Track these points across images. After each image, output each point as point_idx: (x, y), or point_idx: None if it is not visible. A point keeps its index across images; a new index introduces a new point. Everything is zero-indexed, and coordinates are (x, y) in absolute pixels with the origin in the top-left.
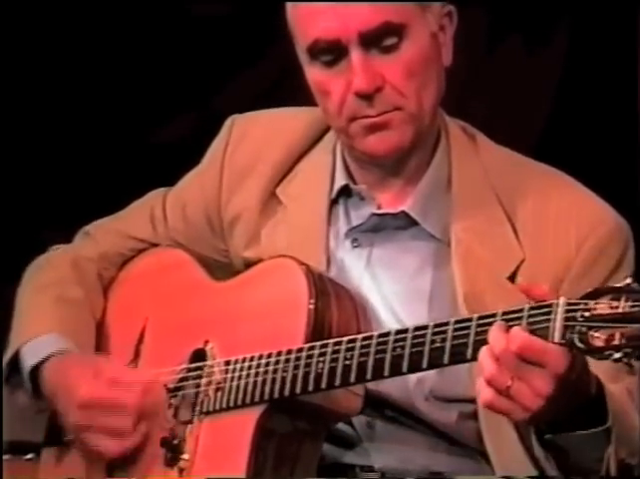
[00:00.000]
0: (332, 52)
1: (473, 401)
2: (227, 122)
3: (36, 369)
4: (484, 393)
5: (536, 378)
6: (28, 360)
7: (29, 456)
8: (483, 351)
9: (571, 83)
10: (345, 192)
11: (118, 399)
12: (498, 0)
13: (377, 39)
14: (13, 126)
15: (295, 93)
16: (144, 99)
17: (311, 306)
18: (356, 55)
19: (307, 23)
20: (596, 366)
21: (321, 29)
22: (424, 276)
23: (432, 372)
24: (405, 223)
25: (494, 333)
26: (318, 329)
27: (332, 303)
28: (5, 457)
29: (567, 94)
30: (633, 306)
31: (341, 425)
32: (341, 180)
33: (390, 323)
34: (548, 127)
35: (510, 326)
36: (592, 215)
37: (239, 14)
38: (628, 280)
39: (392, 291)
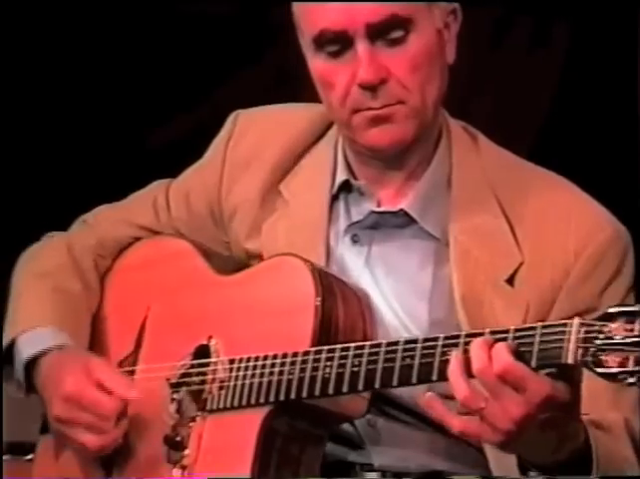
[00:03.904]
0: (338, 43)
1: None
2: (231, 116)
3: (31, 362)
4: (456, 420)
5: (510, 401)
6: (24, 352)
7: (29, 457)
8: (454, 373)
9: (572, 82)
10: (345, 187)
11: (98, 401)
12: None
13: (383, 31)
14: (12, 127)
15: (296, 92)
16: (144, 98)
17: (318, 304)
18: (362, 46)
19: (314, 14)
20: (597, 393)
21: (328, 20)
22: (423, 275)
23: None
24: (404, 221)
25: (478, 350)
26: (325, 328)
27: (338, 302)
28: (5, 458)
29: (568, 93)
30: None
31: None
32: (342, 175)
33: (390, 321)
34: (549, 125)
35: (519, 351)
36: (592, 221)
37: (240, 13)
38: None
39: (391, 289)
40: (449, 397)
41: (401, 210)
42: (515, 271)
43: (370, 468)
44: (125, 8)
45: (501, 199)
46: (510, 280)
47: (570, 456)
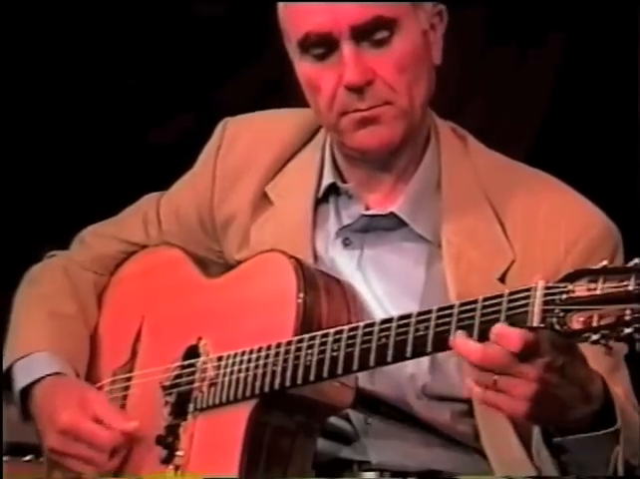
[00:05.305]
0: (323, 45)
1: (464, 401)
2: (220, 125)
3: (26, 390)
4: (474, 391)
5: (522, 366)
6: (19, 380)
7: (28, 457)
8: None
9: (568, 85)
10: (334, 190)
11: (94, 434)
12: (495, 2)
13: (368, 33)
14: (13, 129)
15: (293, 93)
16: (142, 100)
17: (300, 300)
18: (347, 48)
19: (299, 17)
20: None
21: (313, 23)
22: (415, 277)
23: (424, 371)
24: (394, 223)
25: (462, 346)
26: (307, 323)
27: (321, 296)
28: (5, 458)
29: (564, 95)
30: (610, 288)
31: (339, 421)
32: (329, 178)
33: None
34: (544, 129)
35: (488, 320)
36: (582, 218)
37: (237, 14)
38: (605, 262)
39: (383, 292)
40: (443, 398)
41: (391, 213)
42: (507, 269)
43: (368, 466)
44: (125, 10)
45: (492, 197)
46: (503, 279)
47: (598, 408)
